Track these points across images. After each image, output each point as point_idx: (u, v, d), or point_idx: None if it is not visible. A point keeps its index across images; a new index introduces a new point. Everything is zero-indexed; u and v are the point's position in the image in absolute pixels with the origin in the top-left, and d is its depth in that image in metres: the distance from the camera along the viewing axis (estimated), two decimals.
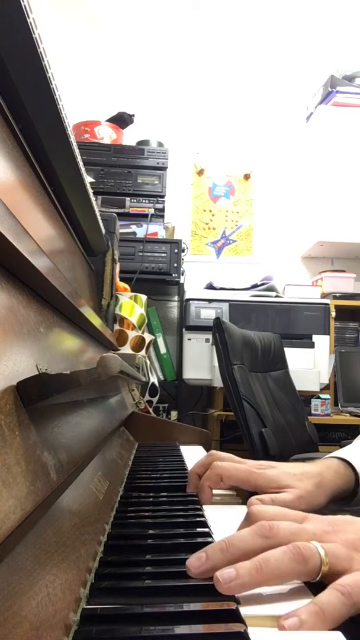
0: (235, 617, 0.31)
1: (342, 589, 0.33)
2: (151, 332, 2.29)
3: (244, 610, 0.32)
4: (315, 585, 0.36)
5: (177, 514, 0.53)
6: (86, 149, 2.27)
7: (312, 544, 0.35)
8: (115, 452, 0.75)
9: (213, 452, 0.63)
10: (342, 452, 0.66)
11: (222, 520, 0.53)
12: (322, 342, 2.16)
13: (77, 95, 2.64)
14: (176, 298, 2.56)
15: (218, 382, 1.98)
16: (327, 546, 0.36)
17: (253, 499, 0.51)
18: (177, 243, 2.26)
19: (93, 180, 2.26)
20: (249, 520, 0.42)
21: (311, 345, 2.14)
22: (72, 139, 0.63)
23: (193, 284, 2.53)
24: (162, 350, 2.34)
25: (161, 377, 2.30)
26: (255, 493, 0.58)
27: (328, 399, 2.08)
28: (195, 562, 0.36)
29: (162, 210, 2.35)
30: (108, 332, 0.92)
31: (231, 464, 0.59)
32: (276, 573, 0.34)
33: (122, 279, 1.68)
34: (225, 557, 0.36)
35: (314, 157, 2.61)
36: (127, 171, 2.33)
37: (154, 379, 1.94)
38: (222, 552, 0.36)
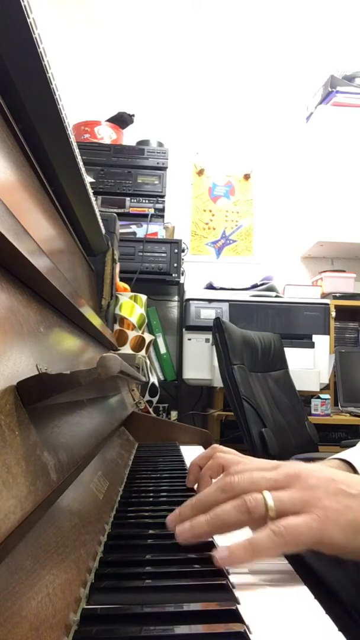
0: (235, 617, 0.31)
1: (274, 528, 0.37)
2: (151, 332, 2.29)
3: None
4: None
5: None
6: (86, 149, 2.27)
7: (261, 494, 0.39)
8: (115, 452, 0.75)
9: (215, 445, 0.63)
10: (343, 454, 0.66)
11: None
12: (322, 342, 2.16)
13: (77, 95, 2.64)
14: (176, 298, 2.56)
15: (218, 382, 1.98)
16: (277, 494, 0.39)
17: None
18: (177, 243, 2.26)
19: (93, 180, 2.26)
20: (225, 474, 0.45)
21: (311, 345, 2.14)
22: (72, 139, 0.63)
23: (193, 284, 2.53)
24: (162, 350, 2.34)
25: (161, 377, 2.30)
26: None
27: (328, 399, 2.08)
28: (172, 517, 0.43)
29: (162, 210, 2.35)
30: (108, 332, 0.92)
31: (233, 456, 0.59)
32: (224, 523, 0.40)
33: (122, 279, 1.68)
34: (193, 512, 0.42)
35: (314, 157, 2.61)
36: (127, 171, 2.33)
37: (154, 379, 1.94)
38: (192, 508, 0.42)
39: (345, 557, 0.38)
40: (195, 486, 0.62)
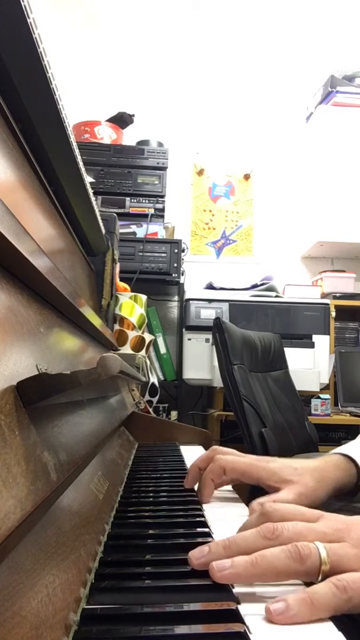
0: (235, 617, 0.31)
1: (337, 583, 0.33)
2: (151, 332, 2.29)
3: (243, 609, 0.32)
4: None
5: (177, 514, 0.53)
6: (86, 149, 2.27)
7: (314, 544, 0.36)
8: (115, 452, 0.75)
9: (215, 447, 0.63)
10: (343, 448, 0.67)
11: (222, 520, 0.53)
12: (322, 342, 2.16)
13: (77, 95, 2.64)
14: (176, 298, 2.56)
15: (218, 382, 1.98)
16: (331, 546, 0.36)
17: (254, 503, 0.51)
18: (177, 243, 2.25)
19: (93, 180, 2.26)
20: (260, 517, 0.42)
21: (311, 345, 2.14)
22: (72, 139, 0.63)
23: (193, 284, 2.53)
24: (162, 350, 2.34)
25: (161, 377, 2.30)
26: (256, 488, 0.58)
27: (328, 399, 2.08)
28: (197, 554, 0.37)
29: (162, 210, 2.35)
30: (108, 332, 0.92)
31: (233, 457, 0.60)
32: (271, 568, 0.35)
33: (122, 279, 1.68)
34: (226, 554, 0.37)
35: (314, 157, 2.61)
36: (127, 171, 2.33)
37: (154, 379, 1.94)
38: (225, 549, 0.37)
39: None
40: (196, 486, 0.63)
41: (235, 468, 0.59)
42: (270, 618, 0.31)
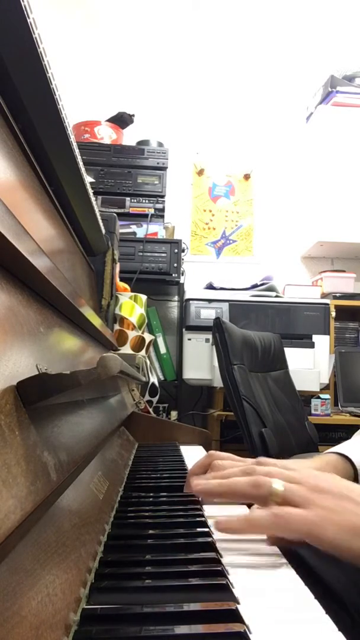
0: (235, 617, 0.31)
1: (274, 511, 0.42)
2: (151, 332, 2.29)
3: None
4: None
5: (177, 514, 0.53)
6: (86, 149, 2.27)
7: (272, 480, 0.44)
8: (115, 452, 0.75)
9: (212, 452, 0.63)
10: (340, 448, 0.67)
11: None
12: (322, 342, 2.16)
13: (77, 95, 2.64)
14: (176, 298, 2.56)
15: (218, 382, 1.98)
16: (288, 484, 0.44)
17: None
18: (177, 243, 2.25)
19: (93, 180, 2.26)
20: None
21: (311, 345, 2.14)
22: (72, 139, 0.63)
23: (193, 284, 2.53)
24: (162, 350, 2.34)
25: (161, 377, 2.30)
26: None
27: (328, 399, 2.08)
28: (192, 478, 0.50)
29: (162, 210, 2.35)
30: (108, 332, 0.92)
31: (231, 462, 0.59)
32: (233, 488, 0.45)
33: (122, 279, 1.68)
34: (217, 486, 0.47)
35: (314, 157, 2.61)
36: (127, 171, 2.33)
37: (154, 379, 1.94)
38: (213, 475, 0.49)
39: (338, 556, 0.41)
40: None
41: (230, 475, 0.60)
42: (216, 527, 0.43)
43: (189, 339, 2.12)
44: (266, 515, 0.42)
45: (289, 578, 0.40)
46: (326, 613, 0.33)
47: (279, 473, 0.46)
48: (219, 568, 0.38)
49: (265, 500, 0.44)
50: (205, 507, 0.57)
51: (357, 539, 0.40)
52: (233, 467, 0.55)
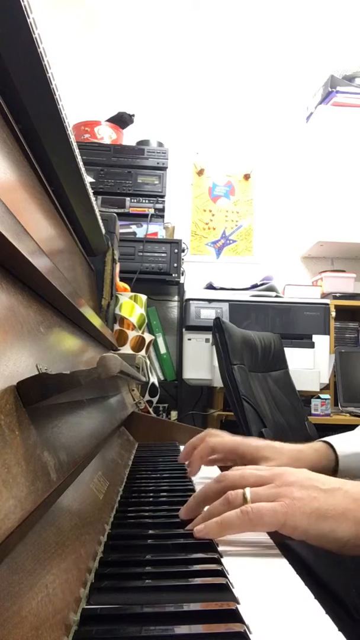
0: (235, 617, 0.31)
1: (242, 509, 0.44)
2: (151, 332, 2.29)
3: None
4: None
5: (177, 514, 0.53)
6: (86, 149, 2.27)
7: (241, 491, 0.47)
8: (115, 452, 0.75)
9: (209, 429, 0.71)
10: (328, 437, 0.72)
11: None
12: (322, 342, 2.16)
13: (77, 95, 2.64)
14: (176, 298, 2.55)
15: (218, 382, 1.98)
16: (255, 489, 0.47)
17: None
18: (177, 243, 2.25)
19: (93, 180, 2.26)
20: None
21: (311, 345, 2.14)
22: (72, 139, 0.63)
23: (193, 284, 2.53)
24: (162, 350, 2.34)
25: (161, 377, 2.30)
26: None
27: (328, 399, 2.08)
28: (183, 510, 0.51)
29: (162, 210, 2.34)
30: (108, 332, 0.92)
31: (222, 437, 0.68)
32: (214, 514, 0.47)
33: (122, 279, 1.68)
34: (196, 501, 0.51)
35: (314, 157, 2.61)
36: (127, 171, 2.33)
37: (154, 379, 1.94)
38: (195, 499, 0.51)
39: (309, 541, 0.44)
40: (187, 463, 0.71)
41: (223, 446, 0.67)
42: (196, 535, 0.45)
43: (189, 339, 2.12)
44: (236, 514, 0.44)
45: (288, 578, 0.40)
46: (326, 613, 0.33)
47: (250, 475, 0.50)
48: (219, 568, 0.38)
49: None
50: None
51: (322, 522, 0.43)
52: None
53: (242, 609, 0.32)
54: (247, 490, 0.46)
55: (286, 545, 0.59)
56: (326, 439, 0.73)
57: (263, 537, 0.47)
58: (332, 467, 0.70)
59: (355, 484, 0.47)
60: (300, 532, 0.43)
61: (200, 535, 0.45)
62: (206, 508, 0.49)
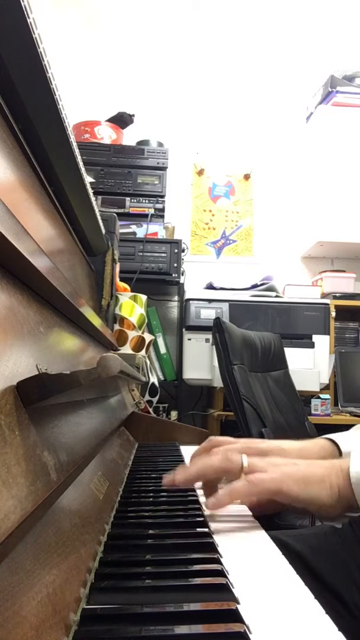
0: (235, 617, 0.31)
1: (248, 478, 0.53)
2: (151, 332, 2.29)
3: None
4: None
5: (177, 514, 0.53)
6: (86, 149, 2.27)
7: (240, 455, 0.55)
8: (115, 452, 0.75)
9: (211, 437, 0.71)
10: (332, 435, 0.72)
11: (222, 520, 0.53)
12: (322, 342, 2.16)
13: (77, 95, 2.64)
14: (176, 298, 2.56)
15: (218, 382, 1.98)
16: (251, 458, 0.55)
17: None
18: (177, 243, 2.25)
19: (93, 180, 2.26)
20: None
21: (311, 345, 2.14)
22: (72, 139, 0.63)
23: (193, 284, 2.53)
24: (162, 350, 2.34)
25: (161, 377, 2.30)
26: None
27: (328, 399, 2.08)
28: (170, 476, 0.57)
29: (162, 210, 2.34)
30: (108, 332, 0.92)
31: (227, 446, 0.67)
32: (210, 466, 0.56)
33: (122, 279, 1.68)
34: (197, 473, 0.58)
35: (314, 157, 2.61)
36: (127, 171, 2.33)
37: (154, 379, 1.94)
38: (188, 466, 0.58)
39: (299, 506, 0.53)
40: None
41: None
42: (207, 507, 0.53)
43: (189, 339, 2.12)
44: (242, 483, 0.52)
45: (288, 578, 0.40)
46: (326, 613, 0.33)
47: (240, 450, 0.59)
48: (219, 568, 0.38)
49: (236, 473, 0.54)
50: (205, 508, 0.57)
51: (309, 488, 0.52)
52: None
53: (241, 609, 0.32)
54: (245, 457, 0.55)
55: (286, 544, 0.59)
56: (329, 435, 0.73)
57: (263, 536, 0.47)
58: None
59: (327, 460, 0.58)
60: (293, 497, 0.52)
61: (214, 508, 0.52)
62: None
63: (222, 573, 0.37)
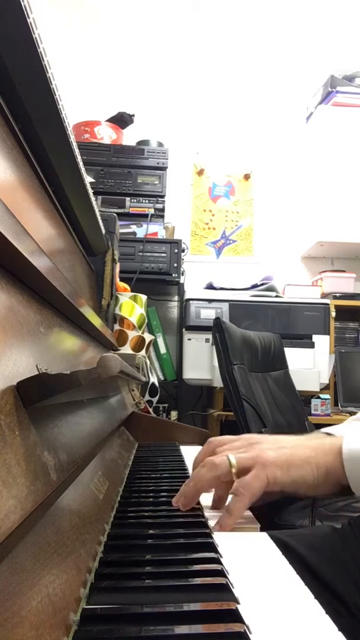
0: (235, 617, 0.31)
1: (236, 492, 0.52)
2: (151, 332, 2.29)
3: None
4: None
5: (177, 514, 0.53)
6: (86, 149, 2.27)
7: (225, 456, 0.54)
8: (115, 452, 0.75)
9: (210, 439, 0.69)
10: (329, 428, 0.72)
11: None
12: (322, 342, 2.16)
13: (77, 95, 2.64)
14: (176, 298, 2.56)
15: (218, 382, 1.98)
16: (238, 455, 0.55)
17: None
18: (177, 243, 2.25)
19: (93, 180, 2.26)
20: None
21: (311, 345, 2.14)
22: (72, 139, 0.63)
23: (193, 284, 2.53)
24: (162, 350, 2.34)
25: (161, 377, 2.30)
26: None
27: (328, 399, 2.08)
28: (175, 499, 0.55)
29: (162, 210, 2.34)
30: (108, 332, 0.92)
31: (229, 445, 0.67)
32: (202, 480, 0.54)
33: (122, 279, 1.68)
34: (195, 490, 0.55)
35: (314, 157, 2.61)
36: (127, 171, 2.33)
37: (154, 379, 1.94)
38: (186, 485, 0.56)
39: (285, 489, 0.53)
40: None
41: None
42: (215, 531, 0.49)
43: (189, 339, 2.12)
44: (234, 500, 0.51)
45: (288, 578, 0.40)
46: (326, 613, 0.33)
47: (229, 446, 0.59)
48: (219, 568, 0.38)
49: (227, 473, 0.54)
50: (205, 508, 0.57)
51: (292, 470, 0.53)
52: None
53: (241, 609, 0.32)
54: (231, 457, 0.54)
55: (286, 544, 0.59)
56: (328, 429, 0.73)
57: (263, 536, 0.47)
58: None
59: (313, 438, 0.59)
60: (278, 483, 0.52)
61: (219, 531, 0.50)
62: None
63: (222, 573, 0.37)
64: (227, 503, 0.53)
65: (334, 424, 0.72)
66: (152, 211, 2.31)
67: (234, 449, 0.57)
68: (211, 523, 0.51)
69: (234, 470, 0.53)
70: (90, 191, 0.80)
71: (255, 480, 0.52)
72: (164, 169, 2.35)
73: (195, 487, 0.54)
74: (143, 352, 1.56)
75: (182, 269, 2.29)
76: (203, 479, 0.54)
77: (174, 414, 2.20)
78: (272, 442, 0.57)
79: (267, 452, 0.54)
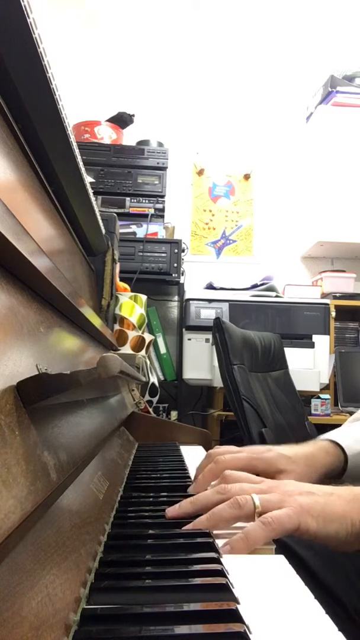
0: (235, 617, 0.31)
1: (262, 519, 0.46)
2: (151, 332, 2.29)
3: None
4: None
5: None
6: (86, 149, 2.27)
7: (250, 496, 0.49)
8: (115, 452, 0.75)
9: (211, 451, 0.67)
10: (332, 434, 0.72)
11: None
12: (322, 342, 2.16)
13: (77, 95, 2.64)
14: (176, 298, 2.56)
15: (218, 382, 1.98)
16: (263, 496, 0.49)
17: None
18: (177, 243, 2.25)
19: (93, 180, 2.26)
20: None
21: (311, 345, 2.14)
22: (72, 139, 0.63)
23: (193, 284, 2.53)
24: (162, 350, 2.34)
25: (161, 377, 2.30)
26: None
27: (328, 399, 2.08)
28: (172, 510, 0.51)
29: (162, 210, 2.34)
30: (108, 332, 0.92)
31: (231, 455, 0.64)
32: (220, 519, 0.48)
33: (122, 279, 1.68)
34: (192, 508, 0.51)
35: (314, 157, 2.61)
36: (127, 171, 2.33)
37: (154, 379, 1.94)
38: (191, 504, 0.51)
39: (316, 541, 0.48)
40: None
41: (236, 464, 0.63)
42: (223, 553, 0.43)
43: (189, 339, 2.12)
44: (259, 527, 0.45)
45: (288, 578, 0.40)
46: (326, 613, 0.33)
47: (250, 488, 0.51)
48: (219, 568, 0.38)
49: (250, 515, 0.48)
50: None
51: (329, 525, 0.47)
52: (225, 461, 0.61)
53: (241, 609, 0.32)
54: (256, 497, 0.48)
55: (287, 546, 0.59)
56: (330, 436, 0.72)
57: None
58: (342, 466, 0.71)
59: (343, 488, 0.52)
60: (311, 533, 0.47)
61: (228, 554, 0.44)
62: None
63: (222, 573, 0.37)
64: (247, 526, 0.47)
65: (334, 424, 0.72)
66: (152, 211, 2.31)
67: (254, 489, 0.51)
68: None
69: (258, 510, 0.48)
70: (90, 191, 0.80)
71: (288, 520, 0.46)
72: (164, 169, 2.35)
73: (209, 523, 0.48)
74: (143, 352, 1.56)
75: (182, 269, 2.29)
76: (222, 518, 0.48)
77: (174, 414, 2.20)
78: (296, 486, 0.52)
79: (299, 498, 0.49)
